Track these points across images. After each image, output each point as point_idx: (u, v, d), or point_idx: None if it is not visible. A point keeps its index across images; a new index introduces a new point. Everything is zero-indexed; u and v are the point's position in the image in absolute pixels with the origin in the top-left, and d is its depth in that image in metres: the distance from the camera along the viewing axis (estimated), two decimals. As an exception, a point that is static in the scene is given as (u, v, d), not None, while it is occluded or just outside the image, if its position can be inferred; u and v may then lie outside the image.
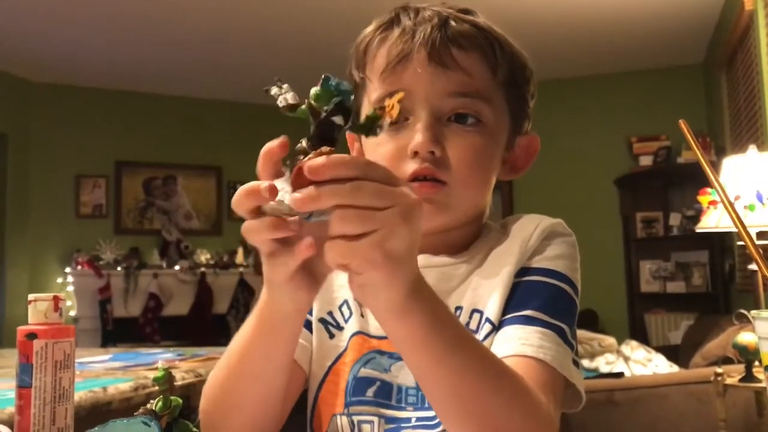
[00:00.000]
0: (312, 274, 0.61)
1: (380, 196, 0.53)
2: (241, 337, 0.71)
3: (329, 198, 0.52)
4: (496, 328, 0.77)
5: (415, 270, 0.59)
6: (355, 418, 0.80)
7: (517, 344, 0.73)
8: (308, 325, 0.86)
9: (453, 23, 0.80)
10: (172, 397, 0.69)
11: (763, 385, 2.05)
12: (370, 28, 0.85)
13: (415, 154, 0.77)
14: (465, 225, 0.85)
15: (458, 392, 0.62)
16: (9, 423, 1.10)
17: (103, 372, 1.70)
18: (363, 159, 0.58)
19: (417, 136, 0.77)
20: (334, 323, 0.86)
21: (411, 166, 0.78)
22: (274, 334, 0.68)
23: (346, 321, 0.85)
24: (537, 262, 0.81)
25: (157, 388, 0.70)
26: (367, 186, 0.53)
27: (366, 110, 0.83)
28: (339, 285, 0.87)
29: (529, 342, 0.74)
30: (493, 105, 0.81)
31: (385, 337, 0.82)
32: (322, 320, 0.86)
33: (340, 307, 0.86)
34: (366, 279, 0.56)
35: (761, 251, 0.69)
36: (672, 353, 3.64)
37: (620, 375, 2.81)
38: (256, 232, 0.57)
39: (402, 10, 0.83)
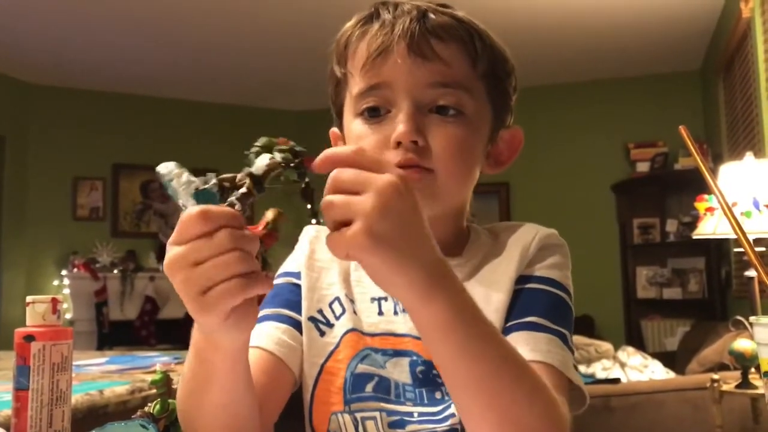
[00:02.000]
0: (247, 302, 0.58)
1: (354, 183, 0.55)
2: (186, 383, 0.69)
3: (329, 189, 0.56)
4: None
5: (430, 254, 0.58)
6: (358, 415, 0.80)
7: (527, 350, 0.74)
8: (297, 326, 0.86)
9: (432, 15, 0.80)
10: (169, 400, 0.69)
11: (759, 391, 2.06)
12: (350, 23, 0.85)
13: (398, 144, 0.77)
14: (448, 220, 0.86)
15: (480, 383, 0.62)
16: (6, 425, 1.10)
17: (99, 375, 1.70)
18: (352, 148, 0.58)
19: (399, 126, 0.77)
20: (324, 321, 0.86)
21: (395, 157, 0.77)
22: (223, 376, 0.66)
23: (337, 318, 0.85)
24: (535, 271, 0.82)
25: (154, 391, 0.70)
26: (343, 174, 0.55)
27: (349, 105, 0.84)
28: (329, 283, 0.88)
29: (538, 348, 0.75)
30: (474, 96, 0.81)
31: (378, 334, 0.83)
32: (311, 319, 0.86)
33: (330, 305, 0.86)
34: (370, 266, 0.57)
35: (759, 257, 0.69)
36: (668, 359, 3.63)
37: (617, 381, 2.81)
38: (226, 296, 0.55)
39: (381, 5, 0.83)
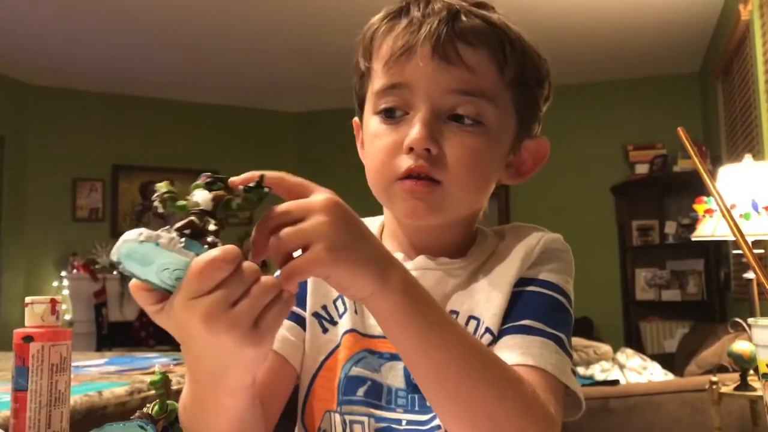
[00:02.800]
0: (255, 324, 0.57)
1: (293, 212, 0.59)
2: (189, 404, 0.69)
3: (259, 234, 0.60)
4: (495, 338, 0.77)
5: (377, 248, 0.63)
6: (347, 417, 0.80)
7: (518, 353, 0.73)
8: (301, 322, 0.86)
9: (463, 17, 0.77)
10: (168, 401, 0.69)
11: (758, 393, 2.06)
12: (378, 16, 0.83)
13: (411, 150, 0.76)
14: (458, 227, 0.84)
15: (443, 372, 0.64)
16: (4, 426, 1.10)
17: (98, 376, 1.70)
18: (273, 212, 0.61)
19: (413, 131, 0.75)
20: (328, 317, 0.85)
21: (406, 162, 0.76)
22: (229, 410, 0.66)
23: (340, 316, 0.85)
24: (536, 274, 0.81)
25: (153, 391, 0.70)
26: (278, 210, 0.59)
27: (369, 101, 0.83)
28: None
29: (530, 351, 0.74)
30: (497, 105, 0.78)
31: (377, 336, 0.82)
32: (315, 314, 0.86)
33: (334, 302, 0.86)
34: (334, 278, 0.61)
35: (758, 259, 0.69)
36: (667, 361, 3.64)
37: (615, 383, 2.81)
38: (278, 318, 0.57)
39: (412, 0, 0.81)
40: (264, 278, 0.55)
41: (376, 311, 0.64)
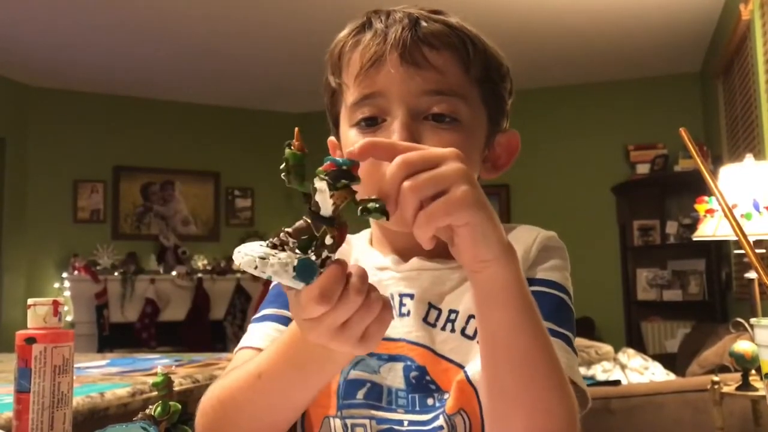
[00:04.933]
0: None
1: (426, 160, 0.58)
2: (269, 380, 0.71)
3: (393, 186, 0.57)
4: None
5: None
6: (348, 421, 0.80)
7: None
8: None
9: (423, 23, 0.80)
10: (171, 403, 0.69)
11: (760, 393, 2.06)
12: (343, 33, 0.85)
13: None
14: None
15: (526, 359, 0.64)
16: (7, 428, 1.10)
17: (100, 377, 1.70)
18: (394, 145, 0.62)
19: (394, 135, 0.77)
20: None
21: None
22: (309, 376, 0.69)
23: None
24: (537, 273, 0.82)
25: (155, 393, 0.70)
26: (410, 157, 0.58)
27: (345, 116, 0.84)
28: None
29: None
30: (468, 102, 0.81)
31: None
32: None
33: None
34: (474, 225, 0.58)
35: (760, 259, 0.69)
36: (669, 361, 3.64)
37: (617, 383, 2.81)
38: (380, 332, 0.59)
39: (374, 13, 0.83)
40: (372, 296, 0.56)
41: (489, 280, 0.62)
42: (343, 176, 0.54)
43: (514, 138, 0.89)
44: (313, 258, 0.54)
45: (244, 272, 6.13)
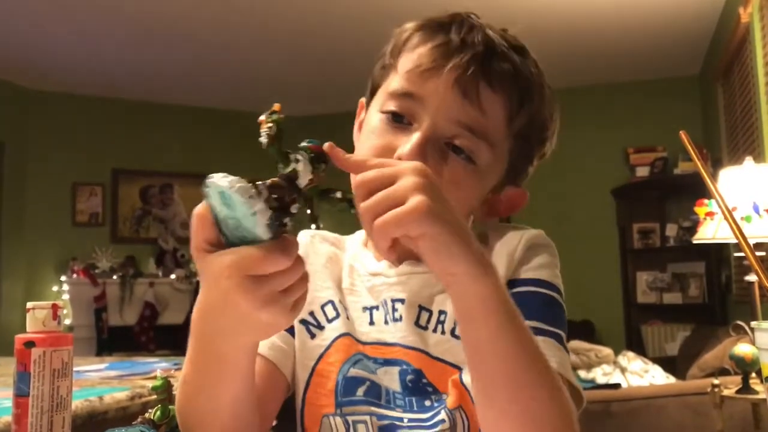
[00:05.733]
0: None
1: (384, 177, 0.58)
2: (193, 380, 0.69)
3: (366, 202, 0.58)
4: None
5: (471, 232, 0.61)
6: (349, 418, 0.80)
7: None
8: (290, 329, 0.86)
9: (495, 61, 0.79)
10: (170, 406, 0.69)
11: (760, 396, 2.05)
12: (416, 23, 0.84)
13: (399, 159, 0.76)
14: None
15: (511, 369, 0.63)
16: (5, 432, 1.10)
17: (99, 381, 1.70)
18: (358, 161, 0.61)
19: (409, 143, 0.76)
20: (315, 323, 0.86)
21: None
22: (239, 370, 0.67)
23: (329, 321, 0.86)
24: (524, 273, 0.81)
25: (154, 397, 0.69)
26: (367, 175, 0.58)
27: (380, 96, 0.83)
28: (321, 286, 0.88)
29: None
30: (494, 151, 0.80)
31: (369, 343, 0.83)
32: (303, 321, 0.86)
33: (323, 307, 0.86)
34: (431, 237, 0.58)
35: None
36: (669, 364, 3.63)
37: (617, 386, 2.81)
38: (301, 304, 0.59)
39: (455, 18, 0.82)
40: (304, 280, 0.57)
41: (464, 294, 0.61)
42: (324, 160, 0.57)
43: (522, 198, 0.88)
44: (274, 219, 0.55)
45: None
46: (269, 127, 0.57)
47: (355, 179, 0.58)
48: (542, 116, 0.85)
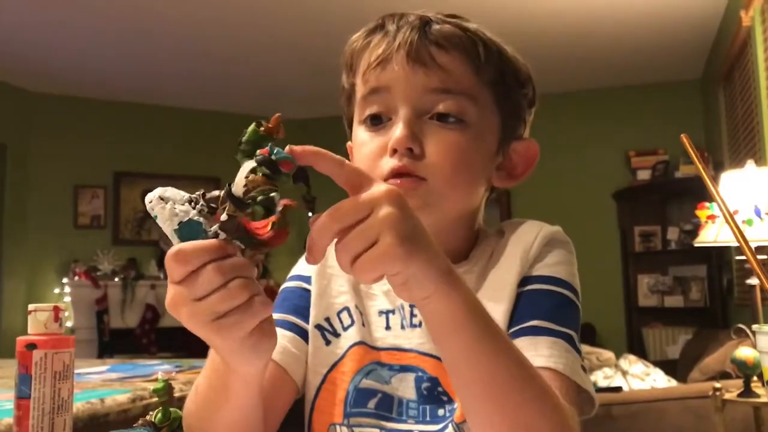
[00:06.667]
0: (263, 324, 0.59)
1: (357, 209, 0.55)
2: (201, 394, 0.72)
3: (322, 239, 0.56)
4: None
5: (438, 248, 0.60)
6: (356, 430, 0.79)
7: (528, 356, 0.72)
8: (303, 334, 0.85)
9: (435, 25, 0.80)
10: (171, 409, 0.69)
11: (762, 400, 2.05)
12: (357, 35, 0.85)
13: (394, 151, 0.77)
14: (457, 229, 0.84)
15: (490, 382, 0.62)
16: (6, 434, 1.10)
17: (100, 383, 1.70)
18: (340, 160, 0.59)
19: (395, 132, 0.77)
20: (331, 330, 0.85)
21: (389, 163, 0.77)
22: (239, 397, 0.68)
23: (344, 329, 0.85)
24: (538, 270, 0.80)
25: (156, 399, 0.69)
26: (341, 208, 0.56)
27: (356, 114, 0.84)
28: (338, 291, 0.87)
29: (539, 352, 0.73)
30: (478, 103, 0.80)
31: (385, 348, 0.82)
32: (318, 327, 0.86)
33: (338, 314, 0.86)
34: (404, 275, 0.57)
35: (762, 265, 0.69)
36: (670, 368, 3.63)
37: (618, 389, 2.81)
38: (234, 326, 0.57)
39: (388, 16, 0.83)
40: (234, 283, 0.55)
41: (434, 312, 0.61)
42: (267, 165, 0.54)
43: (533, 147, 0.87)
44: (202, 224, 0.54)
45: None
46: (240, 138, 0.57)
47: (322, 216, 0.56)
48: (509, 59, 0.84)
